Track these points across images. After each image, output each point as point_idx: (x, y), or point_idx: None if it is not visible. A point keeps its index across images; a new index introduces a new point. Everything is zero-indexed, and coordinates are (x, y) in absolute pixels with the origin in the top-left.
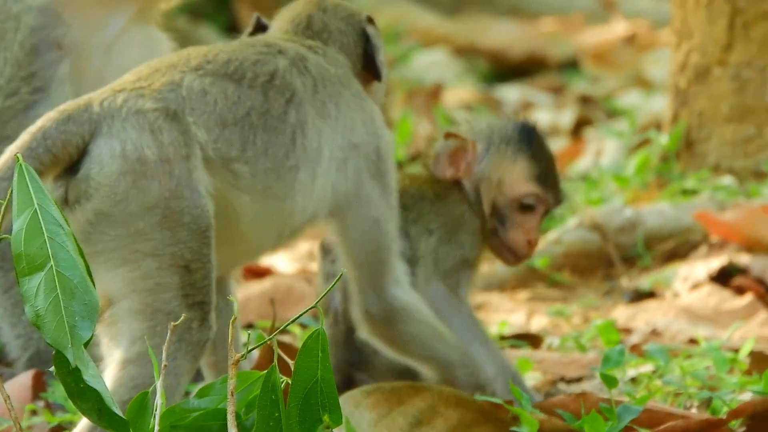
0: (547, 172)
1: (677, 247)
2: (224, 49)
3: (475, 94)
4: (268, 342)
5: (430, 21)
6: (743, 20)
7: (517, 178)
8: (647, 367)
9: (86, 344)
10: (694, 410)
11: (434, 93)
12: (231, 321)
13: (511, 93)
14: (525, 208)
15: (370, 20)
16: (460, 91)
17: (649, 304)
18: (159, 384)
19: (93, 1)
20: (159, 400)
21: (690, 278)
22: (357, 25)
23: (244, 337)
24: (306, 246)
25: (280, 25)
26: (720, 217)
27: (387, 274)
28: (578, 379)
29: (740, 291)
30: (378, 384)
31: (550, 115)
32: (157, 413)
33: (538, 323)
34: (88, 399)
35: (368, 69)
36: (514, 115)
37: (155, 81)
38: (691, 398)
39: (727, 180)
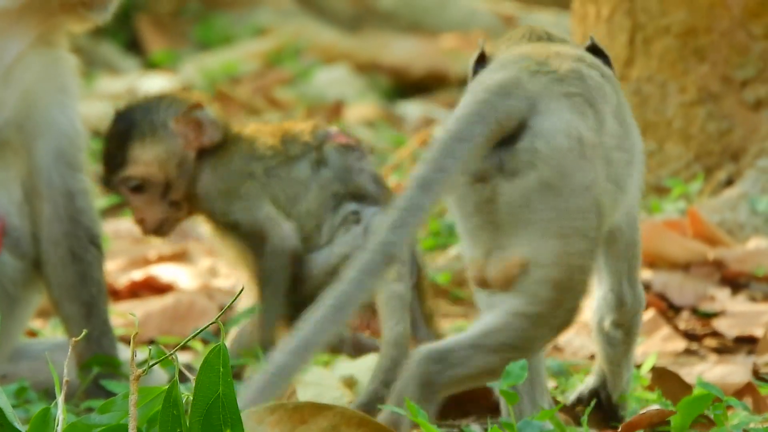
0: (101, 156)
1: None
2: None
3: (376, 111)
4: (170, 357)
5: (331, 37)
6: (643, 36)
7: None
8: (548, 383)
9: None
10: None
11: (335, 109)
12: (132, 336)
13: (412, 109)
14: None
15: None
16: (362, 108)
17: None
18: (61, 399)
19: None
20: (61, 415)
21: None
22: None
23: (143, 353)
24: (207, 262)
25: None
26: None
27: (638, 267)
28: None
29: None
30: (281, 402)
31: None
32: (59, 428)
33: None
34: None
35: None
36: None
37: (559, 67)
38: None
39: None
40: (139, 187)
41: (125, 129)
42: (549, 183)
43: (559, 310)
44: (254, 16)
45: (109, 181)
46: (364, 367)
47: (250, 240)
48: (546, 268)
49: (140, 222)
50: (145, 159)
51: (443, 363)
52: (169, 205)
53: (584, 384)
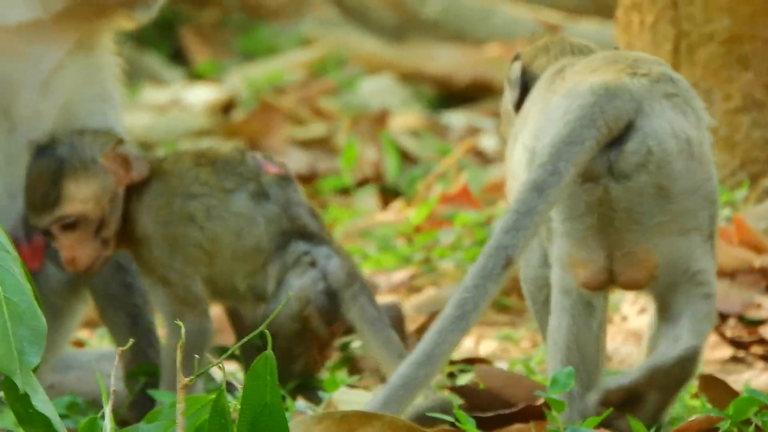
0: (28, 197)
1: None
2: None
3: (421, 120)
4: (218, 365)
5: (375, 47)
6: (688, 43)
7: None
8: None
9: (35, 370)
10: None
11: (380, 119)
12: (179, 345)
13: (457, 119)
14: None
15: None
16: (406, 117)
17: None
18: (108, 409)
19: (22, 41)
20: (108, 425)
21: (638, 302)
22: None
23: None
24: None
25: None
26: None
27: None
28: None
29: None
30: (328, 411)
31: (496, 141)
32: None
33: (486, 348)
34: (37, 424)
35: None
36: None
37: (650, 70)
38: None
39: None
40: (72, 225)
41: (55, 166)
42: (661, 186)
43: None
44: (298, 27)
45: (38, 221)
46: None
47: (170, 300)
48: (673, 268)
49: (71, 261)
50: (81, 196)
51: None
52: (100, 242)
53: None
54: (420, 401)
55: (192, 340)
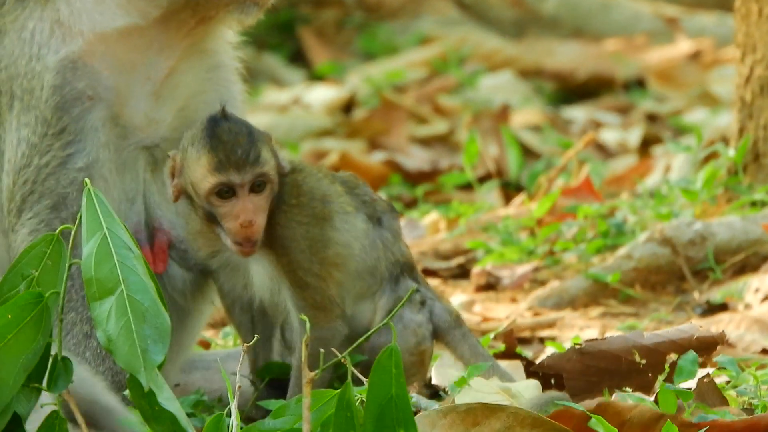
0: (226, 154)
1: (747, 259)
2: None
3: (542, 116)
4: (342, 360)
5: (495, 44)
6: None
7: (201, 176)
8: (721, 379)
9: (159, 367)
10: None
11: (501, 115)
12: (303, 339)
13: (578, 113)
14: (223, 196)
15: None
16: (527, 113)
17: (722, 317)
18: (234, 405)
19: (126, 48)
20: (234, 421)
21: (761, 290)
22: None
23: None
24: None
25: None
26: None
27: None
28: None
29: None
30: (453, 404)
31: (617, 134)
32: None
33: None
34: (163, 421)
35: None
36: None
37: None
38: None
39: None
40: (261, 187)
41: (247, 131)
42: None
43: None
44: (417, 25)
45: (238, 177)
46: (523, 386)
47: (306, 304)
48: None
49: (249, 224)
50: (271, 162)
51: None
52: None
53: None
54: (537, 394)
55: (323, 345)
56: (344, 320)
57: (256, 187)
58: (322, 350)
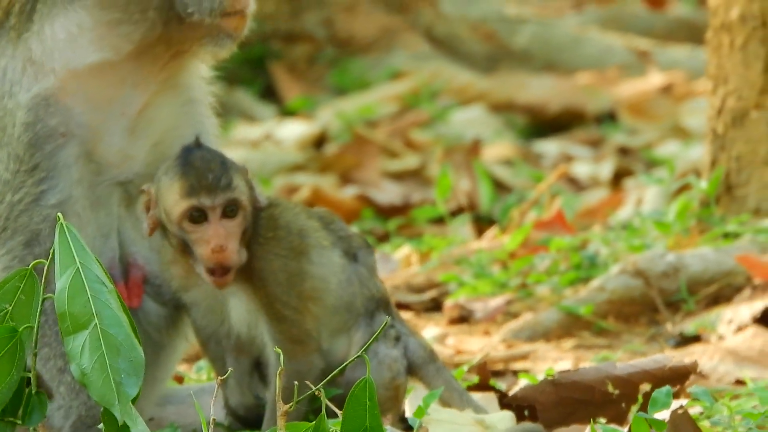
0: (198, 179)
1: (720, 290)
2: None
3: (514, 150)
4: (316, 392)
5: (466, 78)
6: None
7: (174, 202)
8: (695, 410)
9: (134, 401)
10: None
11: (473, 149)
12: (277, 372)
13: (549, 147)
14: (195, 221)
15: None
16: (499, 147)
17: (695, 348)
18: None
19: (100, 84)
20: None
21: (734, 321)
22: None
23: None
24: None
25: None
26: (762, 260)
27: None
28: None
29: None
30: None
31: (589, 168)
32: None
33: None
34: None
35: None
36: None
37: None
38: None
39: None
40: (233, 213)
41: (220, 158)
42: None
43: None
44: (389, 60)
45: (209, 201)
46: (497, 417)
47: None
48: None
49: (220, 249)
50: (243, 189)
51: None
52: (241, 246)
53: None
54: (511, 426)
55: (299, 378)
56: (321, 354)
57: (229, 212)
58: (296, 383)
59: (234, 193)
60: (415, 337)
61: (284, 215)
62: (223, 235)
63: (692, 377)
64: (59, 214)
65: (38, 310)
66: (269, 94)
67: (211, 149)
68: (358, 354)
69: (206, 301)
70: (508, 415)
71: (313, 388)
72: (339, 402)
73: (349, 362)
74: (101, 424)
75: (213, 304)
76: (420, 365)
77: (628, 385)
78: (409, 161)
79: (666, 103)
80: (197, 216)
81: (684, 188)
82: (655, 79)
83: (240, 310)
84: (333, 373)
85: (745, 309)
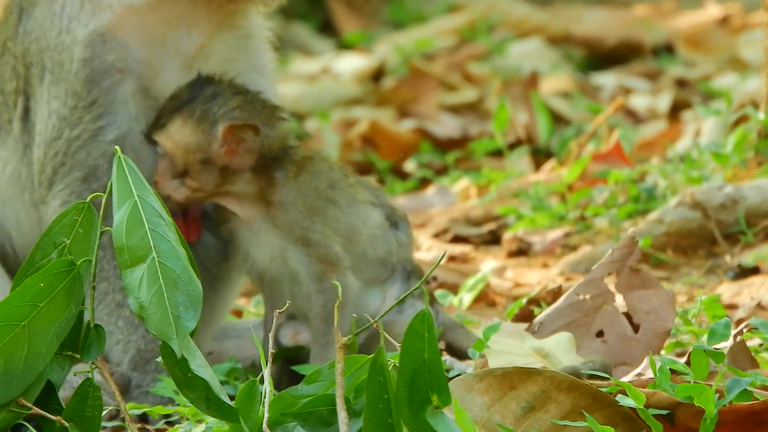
0: (155, 113)
1: None
2: None
3: (571, 82)
4: (374, 325)
5: (523, 11)
6: None
7: None
8: (754, 341)
9: (192, 334)
10: None
11: (531, 82)
12: (336, 305)
13: (607, 80)
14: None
15: None
16: (557, 80)
17: (754, 280)
18: (266, 372)
19: (156, 21)
20: (267, 387)
21: None
22: None
23: None
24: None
25: None
26: None
27: None
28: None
29: None
30: (489, 368)
31: (646, 100)
32: (266, 400)
33: None
34: (196, 388)
35: None
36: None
37: None
38: None
39: None
40: (162, 154)
41: (184, 100)
42: None
43: None
44: None
45: (148, 133)
46: (554, 342)
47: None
48: None
49: (155, 183)
50: (177, 138)
51: None
52: (181, 185)
53: None
54: (580, 360)
55: (334, 299)
56: (354, 275)
57: (162, 153)
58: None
59: (159, 135)
60: (444, 313)
61: (317, 165)
62: (158, 170)
63: (752, 309)
64: (117, 147)
65: (96, 243)
66: (327, 28)
67: (198, 89)
68: (398, 301)
69: (242, 235)
70: (565, 336)
71: (371, 321)
72: (366, 351)
73: (391, 308)
74: (159, 357)
75: (243, 240)
76: (450, 327)
77: None
78: (467, 94)
79: (723, 34)
80: (157, 147)
81: (742, 120)
82: (712, 11)
83: (265, 246)
84: (392, 305)
85: None
